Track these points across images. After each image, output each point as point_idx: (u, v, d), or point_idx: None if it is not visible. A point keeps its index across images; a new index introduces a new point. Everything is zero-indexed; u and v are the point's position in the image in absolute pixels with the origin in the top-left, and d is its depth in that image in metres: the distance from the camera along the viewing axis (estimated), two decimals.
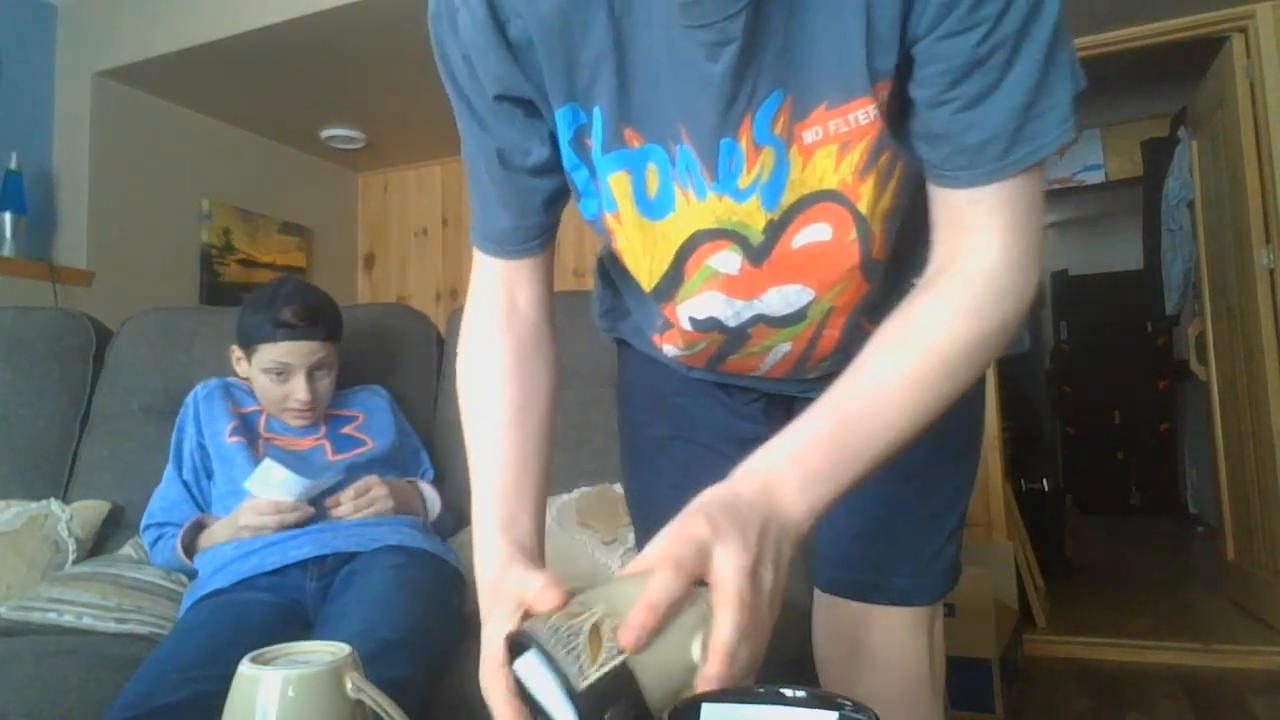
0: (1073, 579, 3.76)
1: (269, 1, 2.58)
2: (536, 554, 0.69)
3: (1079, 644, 2.92)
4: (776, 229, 0.71)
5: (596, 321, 1.01)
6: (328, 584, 1.35)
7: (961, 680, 2.24)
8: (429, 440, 1.81)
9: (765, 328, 0.79)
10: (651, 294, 0.80)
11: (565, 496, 1.62)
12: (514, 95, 0.69)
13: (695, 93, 0.65)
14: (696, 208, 0.71)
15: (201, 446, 1.55)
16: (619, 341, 1.01)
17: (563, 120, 0.69)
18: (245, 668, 0.56)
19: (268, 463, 1.41)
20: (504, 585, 0.62)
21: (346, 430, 1.62)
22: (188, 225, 3.16)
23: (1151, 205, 3.94)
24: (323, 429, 1.60)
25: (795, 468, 0.58)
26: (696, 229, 0.73)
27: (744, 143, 0.67)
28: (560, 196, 0.77)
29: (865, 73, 0.62)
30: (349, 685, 0.56)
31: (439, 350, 1.98)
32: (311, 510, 1.43)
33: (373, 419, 1.66)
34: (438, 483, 1.68)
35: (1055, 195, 4.81)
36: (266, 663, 0.57)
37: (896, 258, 0.77)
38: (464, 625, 1.37)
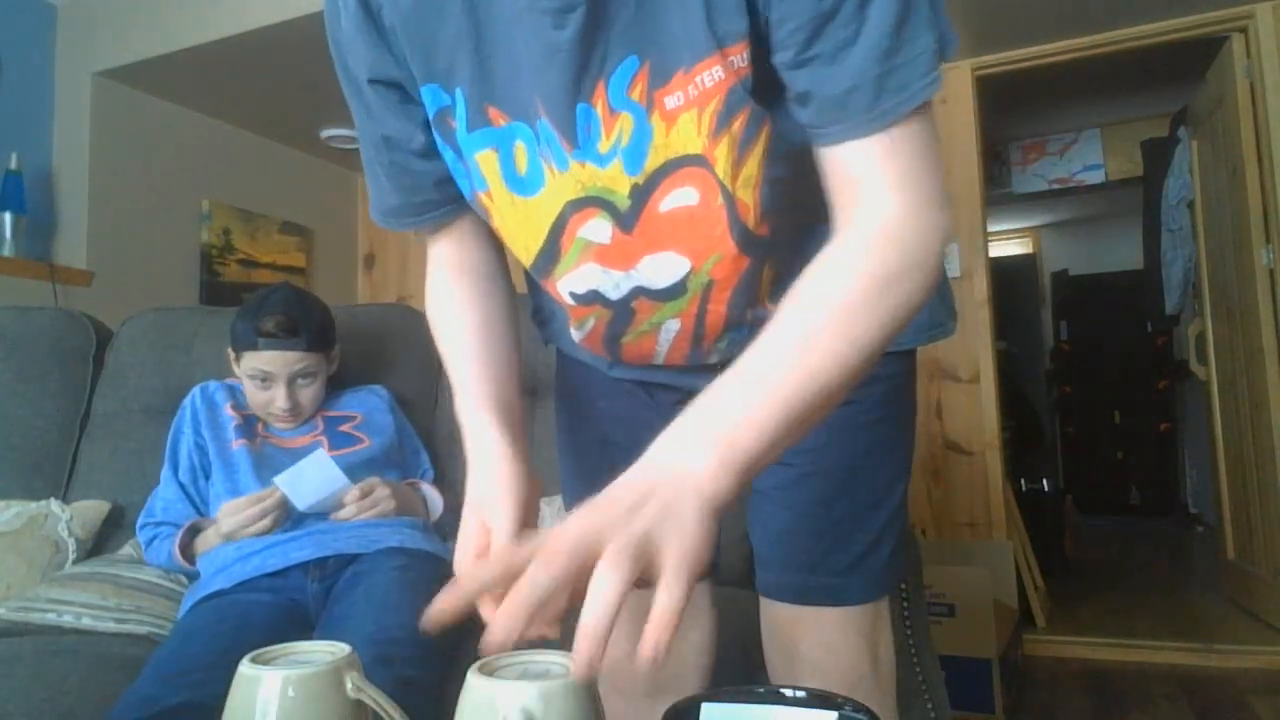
0: (1073, 579, 3.76)
1: (269, 1, 2.58)
2: (516, 420, 0.77)
3: (1079, 644, 2.92)
4: (642, 193, 0.72)
5: (534, 328, 1.02)
6: (329, 585, 1.35)
7: (961, 680, 2.24)
8: (429, 440, 1.81)
9: (647, 301, 0.80)
10: (531, 270, 0.83)
11: (558, 500, 1.61)
12: (385, 79, 0.74)
13: (546, 63, 0.66)
14: (560, 179, 0.72)
15: (200, 448, 1.55)
16: (558, 350, 1.04)
17: (427, 100, 0.73)
18: (245, 668, 0.56)
19: (306, 462, 1.43)
20: (481, 490, 0.76)
21: (344, 428, 1.62)
22: (188, 225, 3.16)
23: (1151, 205, 3.94)
24: (320, 427, 1.60)
25: (696, 422, 0.58)
26: (565, 200, 0.74)
27: (599, 108, 0.68)
28: (451, 177, 0.80)
29: (707, 34, 0.63)
30: (349, 685, 0.56)
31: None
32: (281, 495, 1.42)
33: (371, 418, 1.66)
34: (438, 483, 1.68)
35: (1055, 195, 4.81)
36: (267, 662, 0.57)
37: (791, 239, 0.76)
38: (465, 626, 1.37)
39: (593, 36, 0.65)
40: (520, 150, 0.72)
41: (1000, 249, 5.99)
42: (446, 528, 1.62)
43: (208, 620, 1.26)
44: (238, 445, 1.53)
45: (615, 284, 0.79)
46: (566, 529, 0.53)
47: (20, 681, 1.20)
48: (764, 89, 0.66)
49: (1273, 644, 2.76)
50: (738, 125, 0.67)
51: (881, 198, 0.62)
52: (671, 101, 0.66)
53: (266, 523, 1.40)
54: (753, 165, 0.70)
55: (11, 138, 2.68)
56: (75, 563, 1.59)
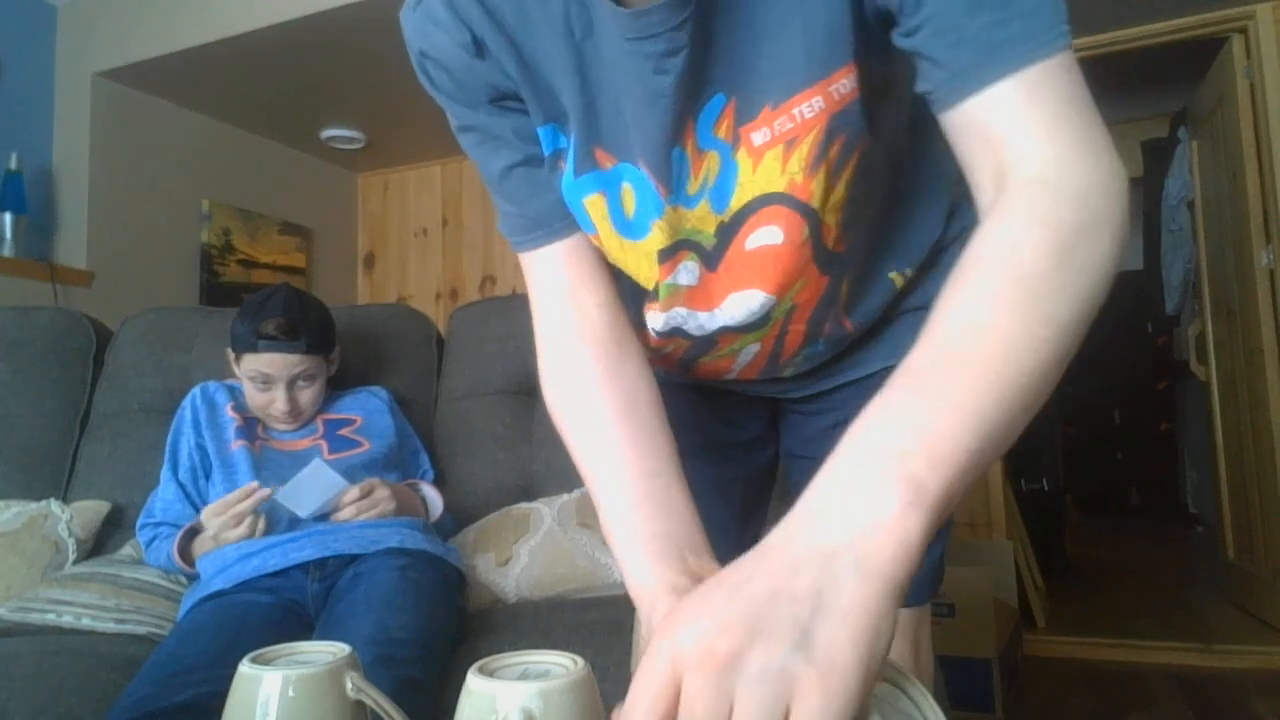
0: (1073, 579, 3.76)
1: (269, 1, 2.58)
2: (698, 547, 0.62)
3: (1079, 644, 2.92)
4: (728, 231, 0.70)
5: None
6: (329, 586, 1.35)
7: (961, 680, 2.24)
8: (429, 441, 1.81)
9: (731, 335, 0.79)
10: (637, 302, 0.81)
11: (565, 496, 1.62)
12: (507, 92, 0.69)
13: (646, 109, 0.65)
14: (657, 227, 0.71)
15: (200, 448, 1.55)
16: None
17: (544, 139, 0.70)
18: (246, 668, 0.56)
19: (304, 473, 1.42)
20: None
21: (344, 432, 1.62)
22: (188, 225, 3.16)
23: (1151, 205, 3.94)
24: (320, 430, 1.60)
25: (856, 457, 0.43)
26: (658, 248, 0.72)
27: (689, 149, 0.67)
28: None
29: (806, 67, 0.61)
30: (349, 685, 0.56)
31: (439, 351, 1.98)
32: (267, 491, 1.41)
33: (371, 421, 1.66)
34: (438, 484, 1.69)
35: None
36: (267, 663, 0.57)
37: (866, 249, 0.75)
38: (465, 625, 1.38)
39: (691, 78, 0.63)
40: (628, 193, 0.71)
41: None
42: (446, 528, 1.62)
43: (207, 620, 1.26)
44: (237, 446, 1.53)
45: (700, 324, 0.78)
46: (658, 652, 0.38)
47: (19, 682, 1.20)
48: (870, 101, 0.64)
49: (1272, 644, 2.76)
50: (834, 151, 0.65)
51: (1034, 150, 0.53)
52: (758, 138, 0.65)
53: (243, 529, 1.38)
54: (841, 188, 0.68)
55: (11, 138, 2.68)
56: (75, 563, 1.59)
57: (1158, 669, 2.71)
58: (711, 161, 0.68)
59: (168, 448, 1.58)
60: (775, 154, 0.65)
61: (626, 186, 0.70)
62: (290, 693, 0.55)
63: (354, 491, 1.45)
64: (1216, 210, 3.15)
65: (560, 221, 0.72)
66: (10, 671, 1.22)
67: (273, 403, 1.55)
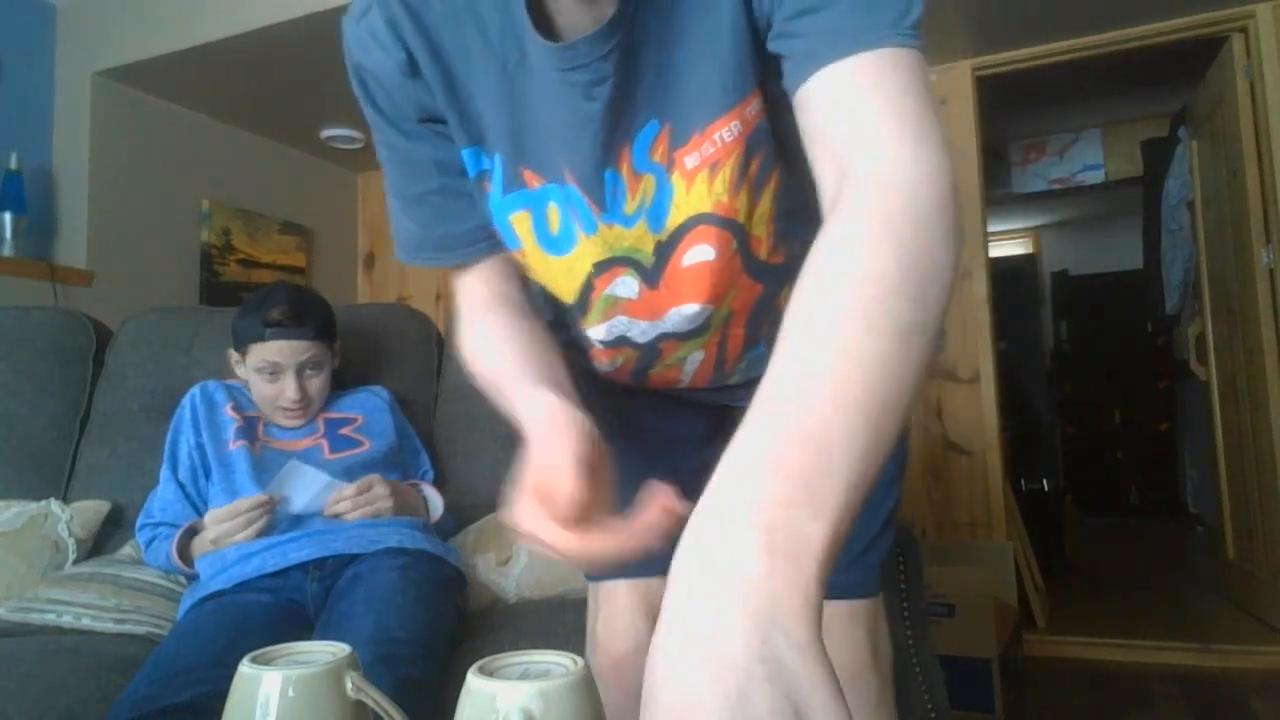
0: (1073, 579, 3.76)
1: (269, 1, 2.58)
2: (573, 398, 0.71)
3: (1079, 644, 2.92)
4: (666, 249, 0.75)
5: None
6: (329, 586, 1.35)
7: (961, 680, 2.24)
8: (429, 440, 1.81)
9: (673, 342, 0.83)
10: (566, 313, 0.85)
11: None
12: (435, 116, 0.74)
13: (576, 132, 0.69)
14: (588, 242, 0.75)
15: (200, 448, 1.55)
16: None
17: (468, 162, 0.74)
18: (246, 667, 0.56)
19: (286, 468, 1.42)
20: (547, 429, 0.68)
21: (345, 431, 1.62)
22: (188, 225, 3.15)
23: (1151, 205, 3.94)
24: (320, 429, 1.60)
25: (713, 513, 0.40)
26: (592, 261, 0.77)
27: (625, 171, 0.71)
28: None
29: (720, 95, 0.66)
30: (349, 685, 0.56)
31: (439, 350, 1.98)
32: (276, 500, 1.43)
33: (371, 420, 1.66)
34: (438, 484, 1.68)
35: (1055, 196, 4.81)
36: (267, 663, 0.57)
37: (795, 254, 0.77)
38: (465, 625, 1.38)
39: (619, 105, 0.68)
40: (553, 211, 0.75)
41: (1000, 249, 5.99)
42: (446, 528, 1.62)
43: (207, 620, 1.26)
44: (236, 446, 1.52)
45: (642, 331, 0.82)
46: None
47: (19, 681, 1.20)
48: (776, 119, 0.67)
49: (1273, 645, 2.76)
50: (754, 168, 0.70)
51: (874, 142, 0.53)
52: (690, 161, 0.69)
53: (250, 532, 1.39)
54: (767, 202, 0.72)
55: (11, 137, 2.68)
56: (75, 563, 1.59)
57: (1158, 669, 2.72)
58: (648, 184, 0.72)
59: (167, 447, 1.57)
60: (704, 176, 0.70)
61: (552, 205, 0.74)
62: (290, 693, 0.55)
63: (351, 488, 1.45)
64: (1217, 209, 3.15)
65: (462, 249, 0.79)
66: (10, 671, 1.22)
67: (282, 393, 1.54)
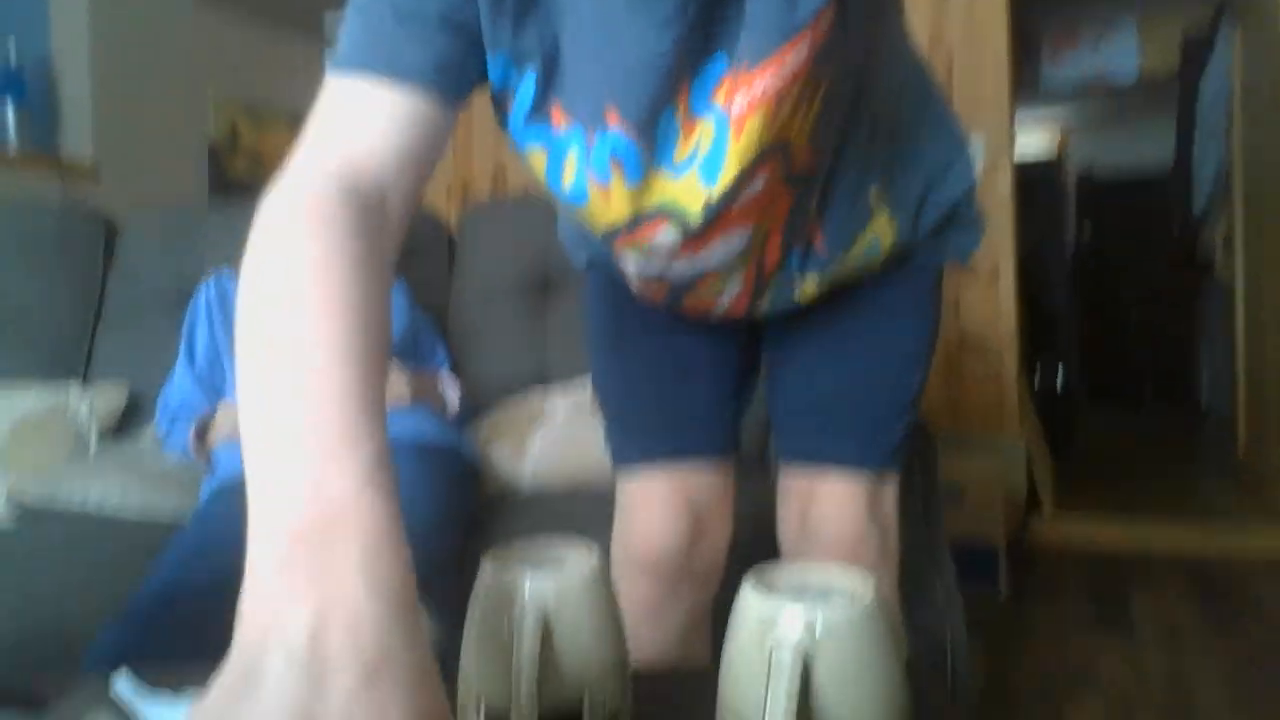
0: (1083, 473, 3.79)
1: None
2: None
3: (1085, 529, 2.96)
4: (717, 208, 0.69)
5: (565, 247, 1.00)
6: None
7: (968, 564, 2.29)
8: (444, 330, 1.80)
9: (712, 276, 0.79)
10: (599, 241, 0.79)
11: (581, 387, 1.60)
12: (457, 19, 0.61)
13: (642, 69, 0.62)
14: (630, 193, 0.69)
15: (215, 338, 1.55)
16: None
17: (492, 69, 0.64)
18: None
19: None
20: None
21: None
22: (193, 118, 3.09)
23: (1186, 103, 3.79)
24: None
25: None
26: (631, 212, 0.70)
27: (680, 113, 0.65)
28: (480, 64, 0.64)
29: (789, 20, 0.58)
30: None
31: (450, 251, 1.95)
32: None
33: None
34: (455, 374, 1.68)
35: (1085, 92, 4.63)
36: None
37: (829, 160, 0.75)
38: (478, 516, 1.40)
39: (691, 40, 0.61)
40: (570, 164, 0.69)
41: (1026, 145, 5.82)
42: (462, 419, 1.62)
43: (228, 508, 1.27)
44: None
45: (681, 272, 0.78)
46: None
47: (50, 564, 1.23)
48: (841, 32, 0.62)
49: (1276, 531, 2.79)
50: (810, 90, 0.64)
51: None
52: (752, 93, 0.62)
53: None
54: (814, 113, 0.67)
55: (8, 25, 2.60)
56: (98, 449, 1.62)
57: (1163, 554, 2.76)
58: (705, 128, 0.66)
59: (183, 338, 1.57)
60: (764, 111, 0.63)
61: (570, 158, 0.68)
62: None
63: None
64: (1256, 104, 3.02)
65: (415, 72, 0.58)
66: (41, 553, 1.26)
67: None
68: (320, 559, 0.36)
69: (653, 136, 0.65)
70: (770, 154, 0.66)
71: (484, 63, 0.63)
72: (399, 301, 1.66)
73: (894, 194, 0.81)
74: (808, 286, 0.83)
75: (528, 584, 0.50)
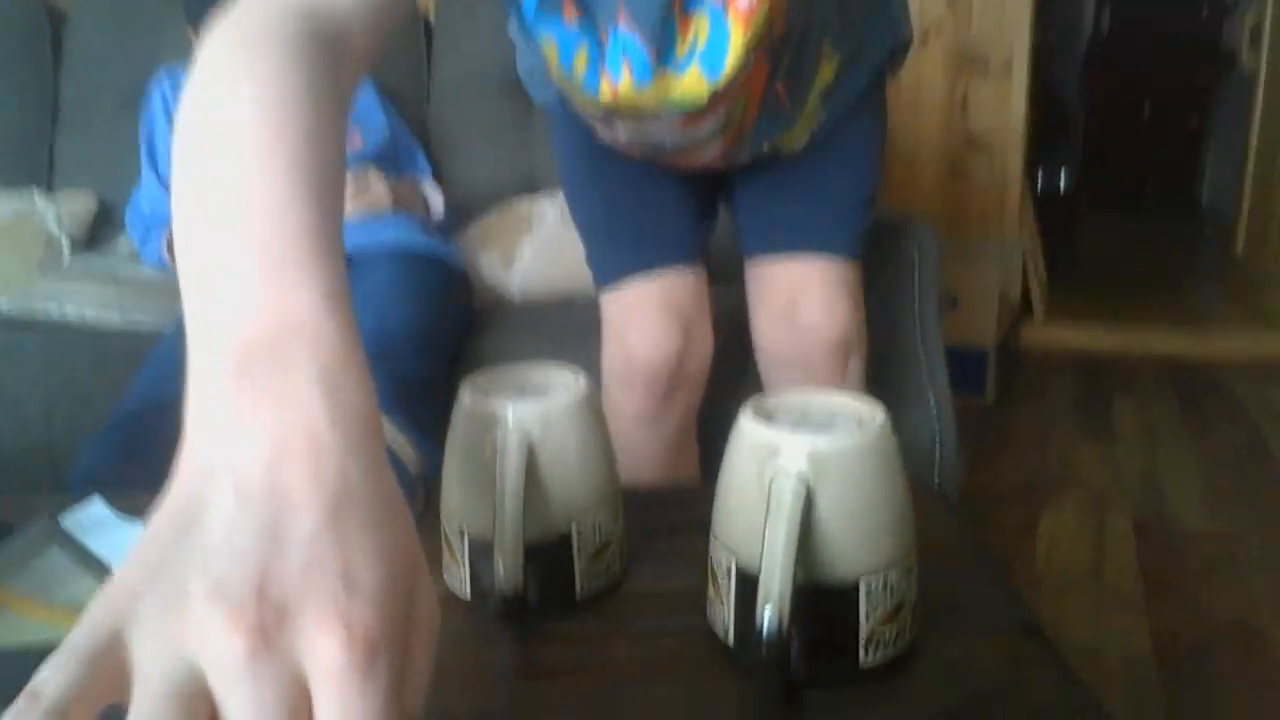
0: (1077, 274, 3.77)
1: None
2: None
3: (1074, 333, 2.99)
4: (720, 97, 0.75)
5: (525, 83, 1.02)
6: None
7: (958, 367, 2.31)
8: (423, 138, 1.70)
9: (700, 140, 0.84)
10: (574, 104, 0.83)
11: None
12: None
13: None
14: (631, 95, 0.73)
15: None
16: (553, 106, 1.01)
17: None
18: None
19: None
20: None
21: None
22: None
23: None
24: None
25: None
26: (630, 110, 0.76)
27: (675, 9, 0.69)
28: None
29: None
30: None
31: (428, 38, 1.80)
32: None
33: (361, 115, 1.54)
34: (437, 180, 1.60)
35: None
36: None
37: (800, 25, 0.79)
38: (470, 325, 1.37)
39: None
40: (581, 58, 0.73)
41: None
42: (446, 226, 1.56)
43: None
44: None
45: (675, 141, 0.84)
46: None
47: (30, 370, 1.21)
48: None
49: (1265, 333, 2.82)
50: None
51: None
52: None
53: None
54: None
55: None
56: (71, 260, 1.56)
57: (1149, 357, 2.79)
58: (700, 23, 0.69)
59: (142, 142, 1.48)
60: (765, 6, 0.68)
61: (581, 54, 0.73)
62: None
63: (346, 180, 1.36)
64: None
65: None
66: (20, 361, 1.24)
67: None
68: (277, 376, 0.30)
69: (660, 37, 0.69)
70: (765, 34, 0.71)
71: None
72: (372, 104, 1.55)
73: (838, 42, 0.86)
74: (781, 139, 0.91)
75: (511, 411, 0.47)
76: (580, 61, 0.72)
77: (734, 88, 0.74)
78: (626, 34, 0.69)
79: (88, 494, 0.58)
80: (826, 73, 0.87)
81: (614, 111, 0.78)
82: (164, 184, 1.46)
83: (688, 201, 1.00)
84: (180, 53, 1.60)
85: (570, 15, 0.69)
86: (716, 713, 0.43)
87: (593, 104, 0.78)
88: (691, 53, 0.70)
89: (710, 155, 0.88)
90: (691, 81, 0.72)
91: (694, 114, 0.76)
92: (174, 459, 0.30)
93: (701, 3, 0.68)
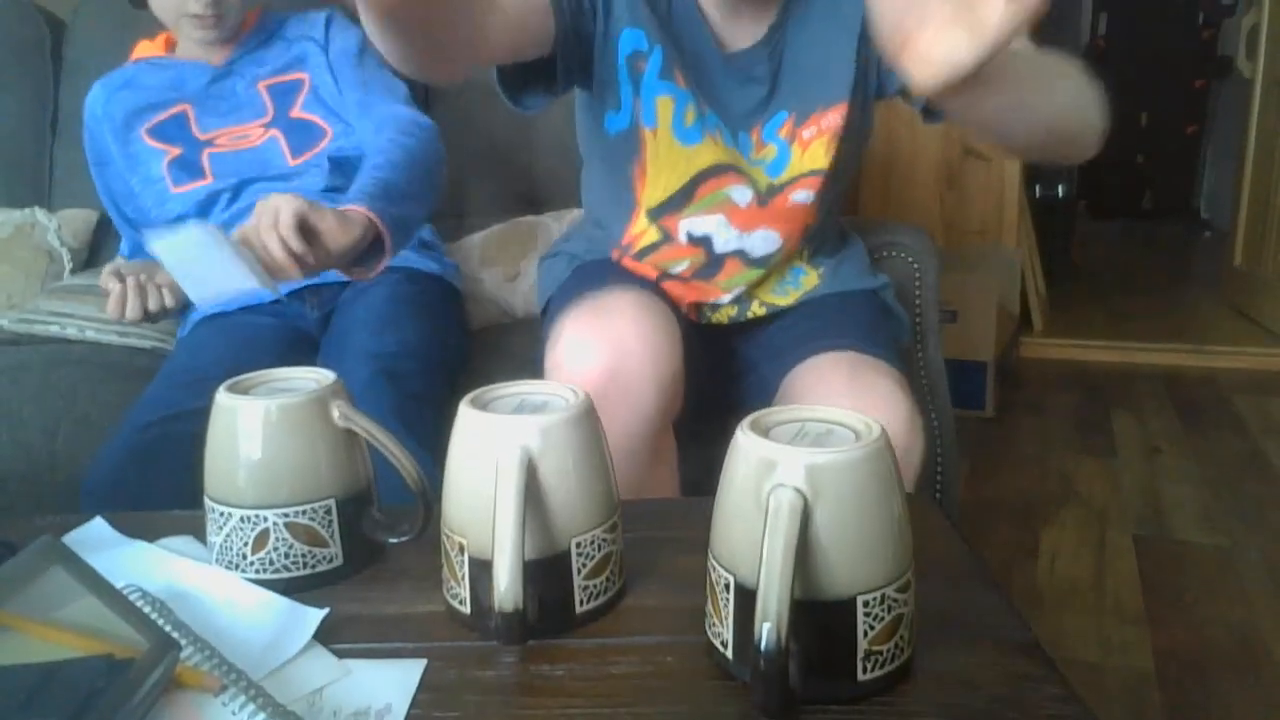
0: (1076, 284, 3.77)
1: None
2: None
3: (1073, 346, 2.99)
4: (776, 190, 0.98)
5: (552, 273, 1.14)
6: (328, 310, 1.29)
7: (957, 380, 2.31)
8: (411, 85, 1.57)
9: (739, 263, 1.01)
10: (652, 210, 0.99)
11: (575, 211, 1.49)
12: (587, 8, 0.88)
13: (729, 100, 0.96)
14: (721, 149, 0.95)
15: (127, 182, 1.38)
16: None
17: (626, 42, 0.89)
18: (223, 397, 0.53)
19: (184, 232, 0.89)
20: None
21: (298, 113, 1.34)
22: None
23: None
24: (268, 108, 1.35)
25: None
26: (719, 161, 0.96)
27: (754, 138, 0.97)
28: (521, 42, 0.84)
29: (851, 85, 0.94)
30: (336, 414, 0.53)
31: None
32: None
33: (319, 83, 1.35)
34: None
35: None
36: (245, 391, 0.54)
37: (825, 201, 1.03)
38: (470, 343, 1.37)
39: (765, 99, 0.96)
40: (690, 111, 0.93)
41: None
42: (445, 234, 1.55)
43: (214, 336, 1.23)
44: (178, 190, 1.32)
45: (728, 240, 0.99)
46: None
47: (31, 389, 1.21)
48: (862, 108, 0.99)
49: (1264, 346, 2.81)
50: (853, 130, 0.98)
51: None
52: (808, 134, 0.96)
53: (132, 312, 1.07)
54: (838, 158, 0.99)
55: None
56: (72, 274, 1.57)
57: (1148, 370, 2.79)
58: (770, 150, 0.96)
59: (99, 190, 1.41)
60: (821, 142, 0.96)
61: (690, 108, 0.93)
62: (273, 422, 0.52)
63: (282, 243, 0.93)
64: None
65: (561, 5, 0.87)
66: (21, 379, 1.24)
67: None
68: None
69: (734, 137, 0.97)
70: (820, 175, 0.97)
71: (578, 59, 0.90)
72: (322, 69, 1.39)
73: (818, 260, 1.08)
74: (776, 299, 1.06)
75: (510, 428, 0.47)
76: (690, 113, 0.92)
77: (788, 202, 0.98)
78: (717, 117, 0.94)
79: (97, 507, 0.58)
80: (809, 279, 1.06)
81: (701, 177, 0.96)
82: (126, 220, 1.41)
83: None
84: None
85: (681, 81, 0.92)
86: None
87: (685, 158, 0.95)
88: (761, 162, 0.97)
89: (733, 294, 1.02)
90: (758, 174, 0.98)
91: (759, 207, 0.97)
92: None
93: (775, 139, 0.96)
